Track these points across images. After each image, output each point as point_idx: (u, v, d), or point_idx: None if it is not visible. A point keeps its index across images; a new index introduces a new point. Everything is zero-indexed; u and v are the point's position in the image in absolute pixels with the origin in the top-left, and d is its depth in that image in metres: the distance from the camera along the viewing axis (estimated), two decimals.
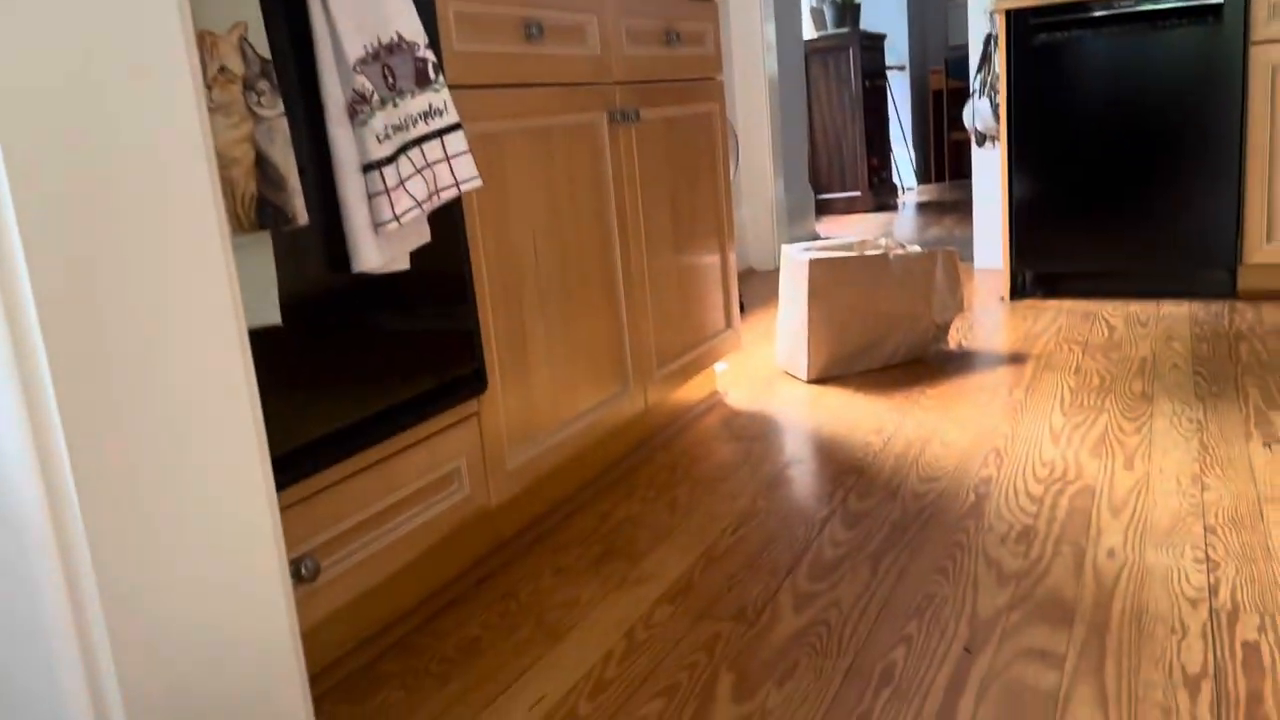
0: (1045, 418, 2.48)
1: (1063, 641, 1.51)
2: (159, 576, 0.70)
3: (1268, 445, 2.19)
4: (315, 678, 1.53)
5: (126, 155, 0.74)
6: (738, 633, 1.61)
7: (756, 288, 4.56)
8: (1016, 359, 3.02)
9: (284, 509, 1.37)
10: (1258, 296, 3.54)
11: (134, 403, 0.70)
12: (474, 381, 1.72)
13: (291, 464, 1.36)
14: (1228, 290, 3.61)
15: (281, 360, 1.35)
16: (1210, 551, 1.75)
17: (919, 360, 3.06)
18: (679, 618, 1.67)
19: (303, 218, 1.25)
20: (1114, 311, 3.52)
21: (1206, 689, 1.37)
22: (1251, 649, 1.46)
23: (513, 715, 1.43)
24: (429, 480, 1.64)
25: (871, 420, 2.56)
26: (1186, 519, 1.88)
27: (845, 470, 2.25)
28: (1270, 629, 1.50)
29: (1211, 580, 1.65)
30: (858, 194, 6.97)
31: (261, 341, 1.28)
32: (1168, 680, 1.40)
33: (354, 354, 1.49)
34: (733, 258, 2.76)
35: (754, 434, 2.54)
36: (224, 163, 1.12)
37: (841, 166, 6.97)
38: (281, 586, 0.83)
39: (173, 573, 0.72)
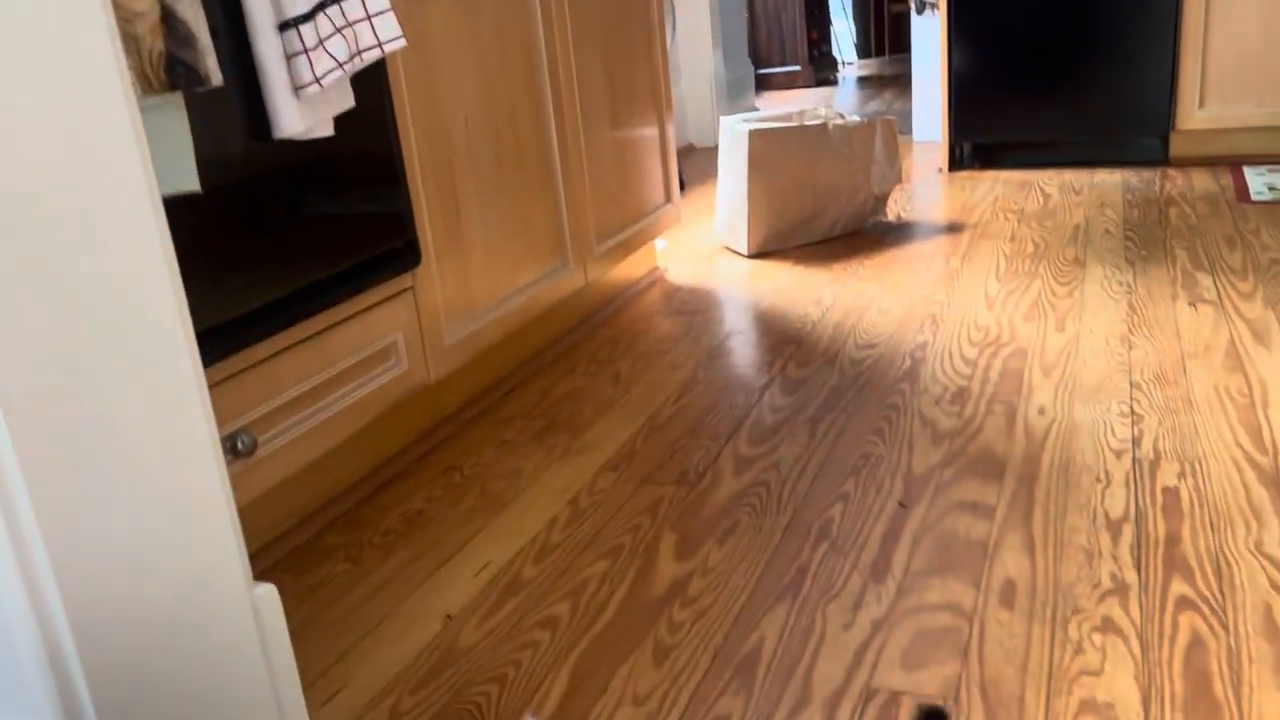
0: (981, 284, 2.51)
1: (993, 494, 1.56)
2: (83, 456, 0.68)
3: (1193, 305, 2.24)
4: (259, 552, 1.53)
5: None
6: (679, 496, 1.64)
7: (696, 163, 4.51)
8: (953, 228, 3.04)
9: (216, 384, 1.34)
10: (1189, 163, 3.59)
11: (39, 279, 0.67)
12: (406, 255, 1.68)
13: (221, 337, 1.33)
14: (1160, 157, 3.65)
15: (206, 231, 1.30)
16: (1135, 406, 1.81)
17: (858, 232, 3.07)
18: (622, 484, 1.69)
19: (216, 78, 1.18)
20: (1050, 180, 3.55)
21: (1128, 532, 1.43)
22: (1171, 494, 1.52)
23: (457, 582, 1.45)
24: (365, 355, 1.62)
25: (810, 291, 2.57)
26: (1114, 376, 1.93)
27: (784, 340, 2.27)
28: (1189, 475, 1.57)
29: (1135, 432, 1.71)
30: (797, 69, 6.87)
31: (182, 210, 1.23)
32: (1091, 525, 1.46)
33: (282, 227, 1.45)
34: (671, 131, 2.71)
35: (695, 308, 2.54)
36: (125, 16, 1.06)
37: (781, 40, 6.84)
38: (214, 460, 0.82)
39: (96, 450, 0.70)
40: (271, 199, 1.42)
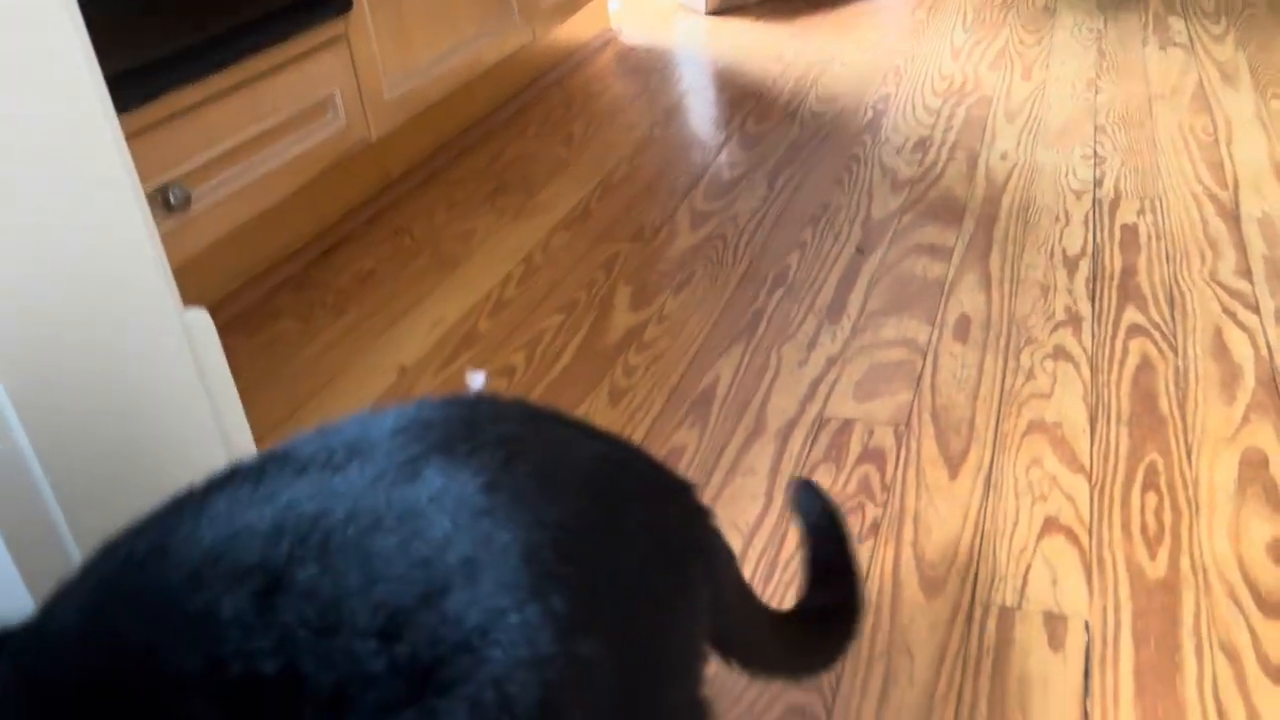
0: (947, 35, 2.41)
1: (952, 237, 1.55)
2: None
3: (1163, 48, 2.17)
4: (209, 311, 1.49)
5: None
6: (635, 251, 1.61)
7: None
8: None
9: (139, 132, 1.26)
10: None
11: None
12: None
13: (142, 79, 1.24)
14: None
15: None
16: (1098, 149, 1.77)
17: None
18: (576, 242, 1.66)
19: None
20: None
21: (1084, 266, 1.43)
22: (1129, 230, 1.51)
23: (412, 338, 1.43)
24: (302, 108, 1.53)
25: (771, 47, 2.46)
26: (1078, 120, 1.88)
27: (744, 97, 2.19)
28: (1148, 211, 1.55)
29: (1097, 174, 1.68)
30: None
31: None
32: (1049, 262, 1.45)
33: None
34: None
35: (650, 67, 2.43)
36: None
37: None
38: (133, 194, 0.76)
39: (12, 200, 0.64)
40: None
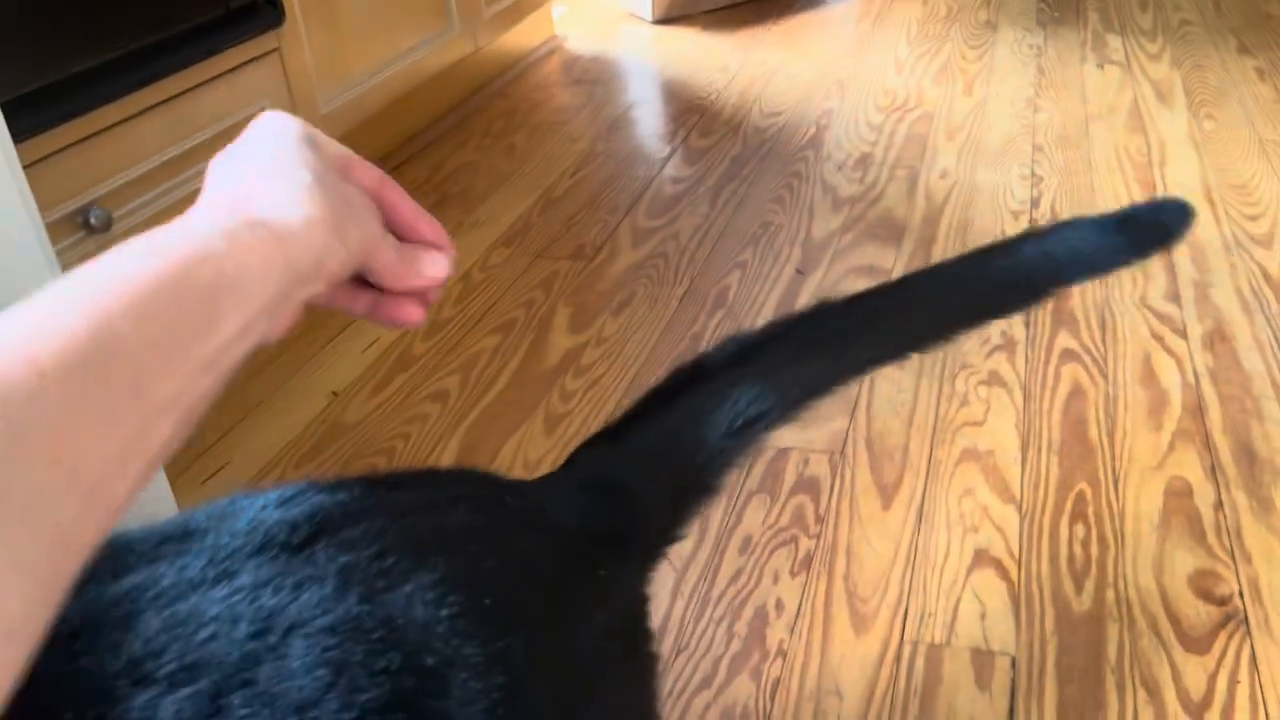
0: (891, 49, 2.43)
1: (890, 258, 1.55)
2: None
3: (1100, 66, 2.20)
4: None
5: None
6: (575, 269, 1.59)
7: None
8: None
9: (56, 152, 1.22)
10: None
11: None
12: (267, 12, 1.53)
13: (54, 100, 1.20)
14: None
15: None
16: (1036, 168, 1.79)
17: None
18: (516, 259, 1.64)
19: None
20: None
21: None
22: None
23: (344, 359, 1.41)
24: (228, 124, 1.49)
25: (716, 59, 2.46)
26: (1017, 139, 1.90)
27: (688, 110, 2.18)
28: None
29: (1035, 194, 1.70)
30: None
31: None
32: None
33: None
34: None
35: (595, 77, 2.41)
36: None
37: None
38: (36, 237, 0.73)
39: None
40: None
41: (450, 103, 2.21)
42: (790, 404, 0.59)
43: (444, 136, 2.11)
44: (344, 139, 1.82)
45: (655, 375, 1.32)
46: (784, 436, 1.19)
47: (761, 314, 1.43)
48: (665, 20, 2.74)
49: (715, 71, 2.38)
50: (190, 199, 1.38)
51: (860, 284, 1.47)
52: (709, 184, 1.83)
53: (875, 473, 1.13)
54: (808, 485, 1.11)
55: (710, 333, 1.40)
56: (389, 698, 0.41)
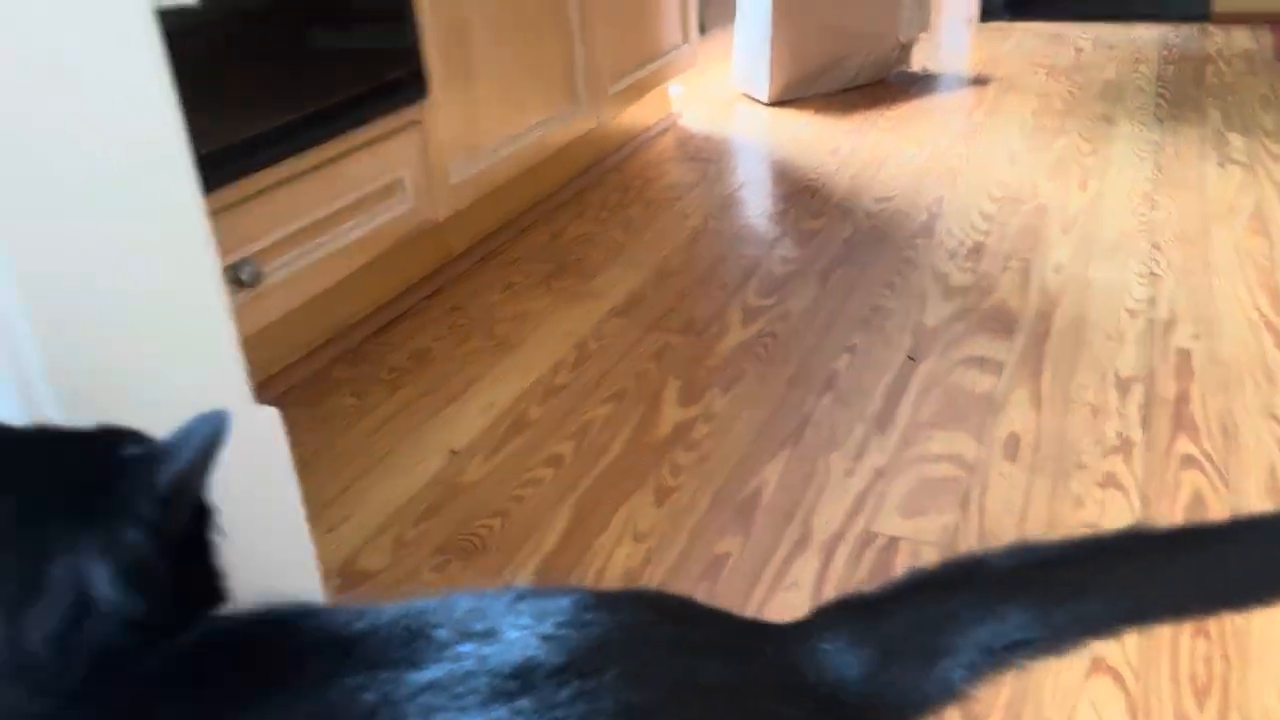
0: (1004, 139, 2.44)
1: (1003, 350, 1.55)
2: (81, 281, 0.66)
3: (1221, 165, 2.18)
4: (267, 382, 1.53)
5: None
6: (686, 343, 1.63)
7: (714, 5, 4.33)
8: (980, 81, 2.94)
9: (219, 211, 1.31)
10: (1230, 20, 3.43)
11: (31, 96, 0.63)
12: (413, 86, 1.62)
13: (223, 163, 1.29)
14: (1201, 13, 3.49)
15: (206, 51, 1.25)
16: (1153, 267, 1.77)
17: (880, 82, 2.96)
18: (629, 330, 1.68)
19: None
20: (1084, 34, 3.40)
21: (1137, 391, 1.42)
22: (1183, 355, 1.50)
23: (463, 419, 1.46)
24: (371, 189, 1.58)
25: (828, 141, 2.50)
26: (1134, 236, 1.89)
27: (799, 190, 2.22)
28: (1204, 336, 1.55)
29: (1152, 293, 1.68)
30: None
31: (179, 23, 1.17)
32: (1101, 383, 1.45)
33: (287, 53, 1.39)
34: None
35: (708, 155, 2.48)
36: None
37: None
38: (214, 281, 0.80)
39: (95, 275, 0.68)
40: (277, 24, 1.36)
41: (570, 175, 2.29)
42: (1063, 642, 0.56)
43: (563, 207, 2.18)
44: (470, 209, 1.92)
45: (765, 455, 1.33)
46: (893, 525, 1.20)
47: (872, 399, 1.44)
48: (779, 102, 2.80)
49: (827, 154, 2.42)
50: (331, 258, 1.46)
51: (973, 376, 1.48)
52: (819, 266, 1.86)
53: None
54: None
55: (819, 414, 1.42)
56: None
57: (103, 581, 0.52)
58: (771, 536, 1.19)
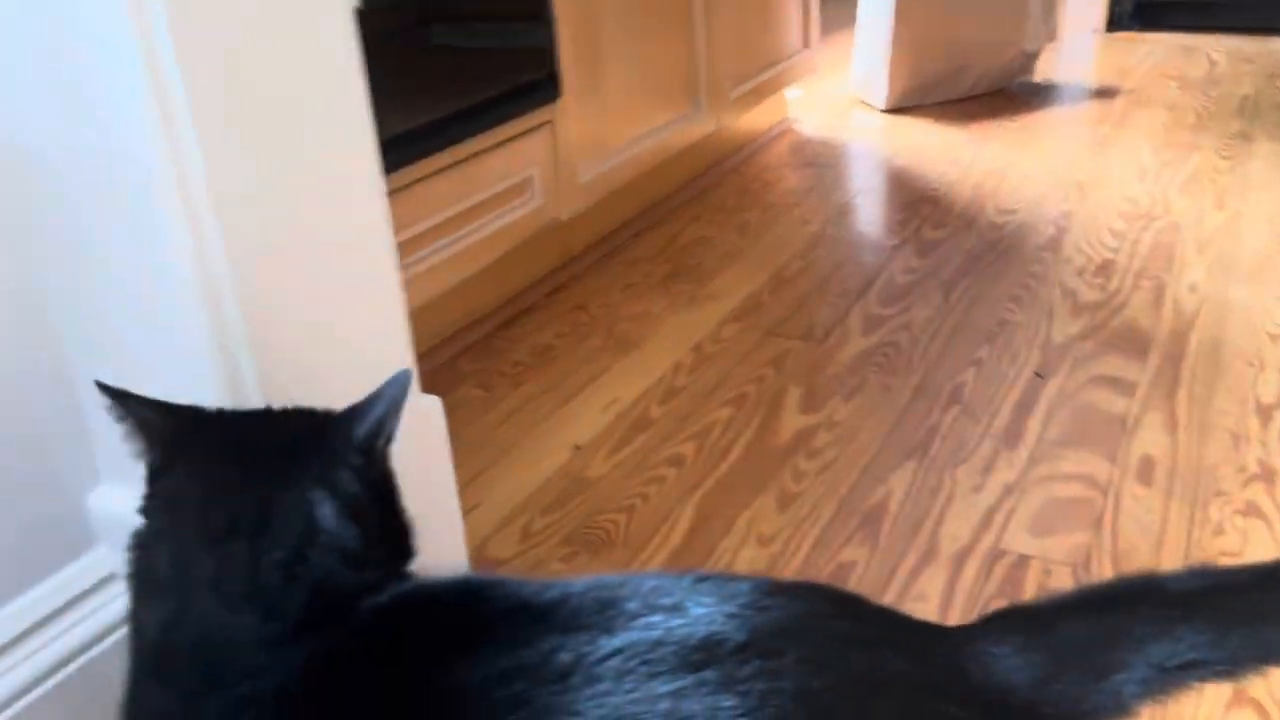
0: (1134, 154, 2.37)
1: (1136, 370, 1.51)
2: (275, 249, 0.70)
3: None
4: None
5: None
6: (806, 350, 1.63)
7: (832, 11, 4.30)
8: (1107, 93, 2.86)
9: None
10: None
11: (253, 78, 0.67)
12: (547, 88, 1.65)
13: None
14: None
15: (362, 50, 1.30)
16: None
17: (1002, 92, 2.90)
18: (747, 334, 1.69)
19: None
20: (1217, 46, 3.28)
21: (1279, 419, 1.38)
22: None
23: (586, 415, 1.48)
24: (503, 187, 1.62)
25: (948, 151, 2.47)
26: (1275, 257, 1.82)
27: (919, 200, 2.19)
28: None
29: None
30: None
31: None
32: (1241, 409, 1.40)
33: (427, 52, 1.43)
34: None
35: (826, 161, 2.46)
36: None
37: None
38: (393, 266, 0.83)
39: (288, 246, 0.71)
40: (419, 25, 1.40)
41: (687, 178, 2.31)
42: (1238, 666, 0.56)
43: (679, 210, 2.20)
44: (593, 208, 1.95)
45: (890, 465, 1.33)
46: (1023, 542, 1.18)
47: (999, 414, 1.42)
48: (897, 109, 2.77)
49: (947, 164, 2.38)
50: (462, 254, 1.50)
51: (1103, 395, 1.45)
52: (942, 277, 1.84)
53: None
54: None
55: (945, 427, 1.40)
56: None
57: (325, 513, 0.58)
58: (898, 547, 1.18)
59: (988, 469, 1.31)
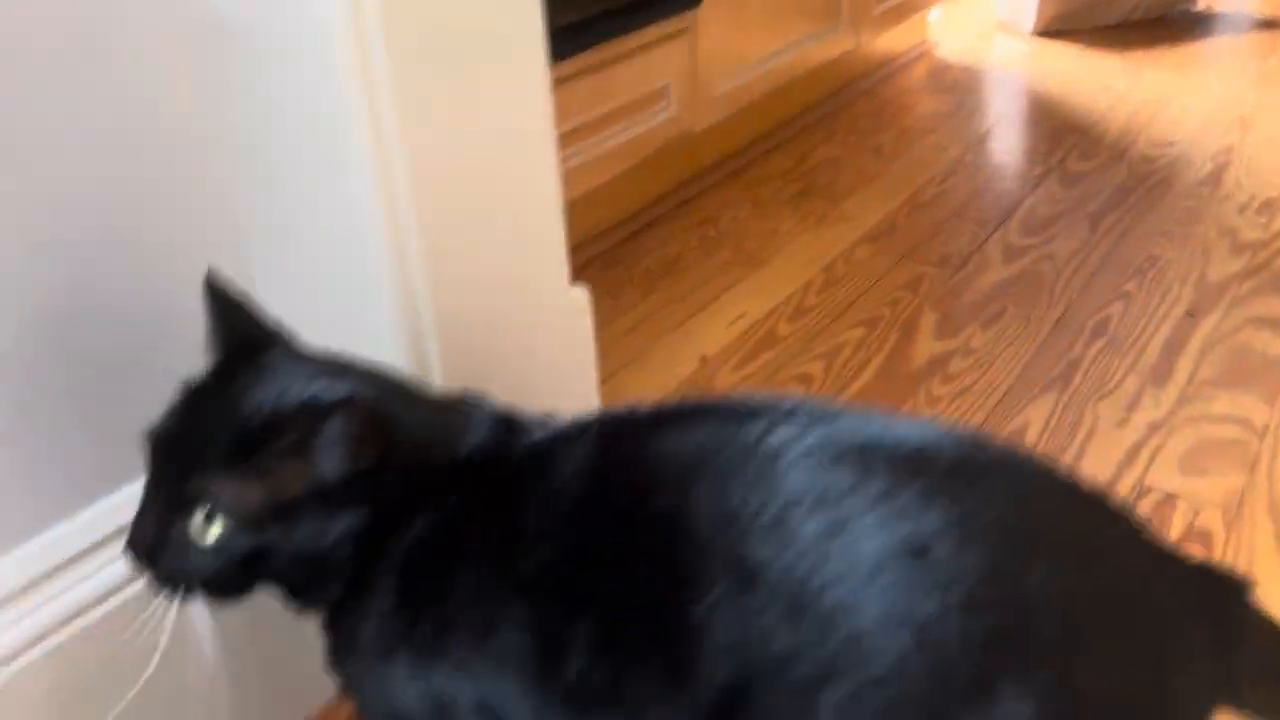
0: None
1: None
2: (448, 135, 0.70)
3: None
4: None
5: None
6: (942, 276, 1.58)
7: None
8: (1273, 25, 2.66)
9: None
10: None
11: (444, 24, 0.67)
12: None
13: None
14: None
15: None
16: None
17: (1160, 19, 2.73)
18: (880, 257, 1.64)
19: None
20: None
21: None
22: None
23: (713, 328, 1.47)
24: (639, 95, 1.59)
25: (1100, 79, 2.34)
26: None
27: (1066, 129, 2.09)
28: None
29: None
30: None
31: None
32: None
33: None
34: None
35: (967, 87, 2.36)
36: None
37: None
38: (553, 160, 0.82)
39: (461, 132, 0.71)
40: None
41: (820, 96, 2.24)
42: None
43: (810, 128, 2.14)
44: (726, 121, 1.90)
45: (1028, 396, 1.28)
46: (1170, 481, 1.13)
47: (1147, 351, 1.36)
48: (1045, 33, 2.64)
49: (1098, 93, 2.26)
50: (595, 161, 1.48)
51: (1262, 337, 1.37)
52: (1089, 208, 1.75)
53: (1278, 538, 1.05)
54: (1199, 537, 1.05)
55: (1088, 362, 1.35)
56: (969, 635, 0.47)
57: None
58: None
59: (1133, 405, 1.26)
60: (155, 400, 0.58)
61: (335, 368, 0.60)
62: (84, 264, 0.65)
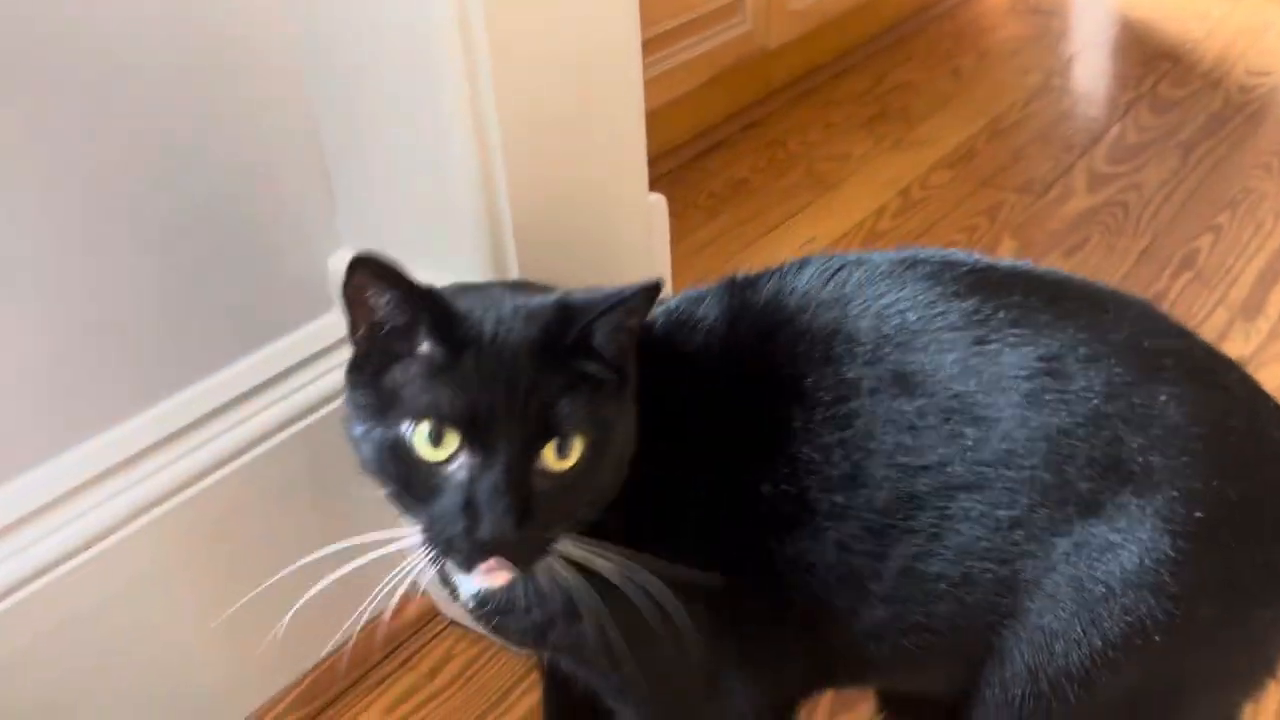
0: None
1: None
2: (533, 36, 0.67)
3: None
4: None
5: None
6: (1023, 203, 1.52)
7: None
8: None
9: None
10: None
11: None
12: None
13: None
14: None
15: None
16: None
17: None
18: (958, 182, 1.59)
19: None
20: None
21: None
22: None
23: (782, 252, 1.43)
24: (713, 7, 1.54)
25: (1194, 5, 2.22)
26: None
27: (1157, 56, 1.99)
28: None
29: None
30: None
31: None
32: None
33: None
34: None
35: (1052, 9, 2.26)
36: None
37: None
38: (637, 65, 0.79)
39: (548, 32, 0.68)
40: None
41: (899, 18, 2.16)
42: None
43: (886, 50, 2.07)
44: (800, 39, 1.83)
45: None
46: None
47: (1237, 284, 1.30)
48: None
49: (1193, 19, 2.15)
50: (668, 75, 1.42)
51: None
52: (1180, 138, 1.67)
53: None
54: None
55: (1174, 294, 1.29)
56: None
57: None
58: None
59: (1221, 339, 1.21)
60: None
61: (517, 284, 0.61)
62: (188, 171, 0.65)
